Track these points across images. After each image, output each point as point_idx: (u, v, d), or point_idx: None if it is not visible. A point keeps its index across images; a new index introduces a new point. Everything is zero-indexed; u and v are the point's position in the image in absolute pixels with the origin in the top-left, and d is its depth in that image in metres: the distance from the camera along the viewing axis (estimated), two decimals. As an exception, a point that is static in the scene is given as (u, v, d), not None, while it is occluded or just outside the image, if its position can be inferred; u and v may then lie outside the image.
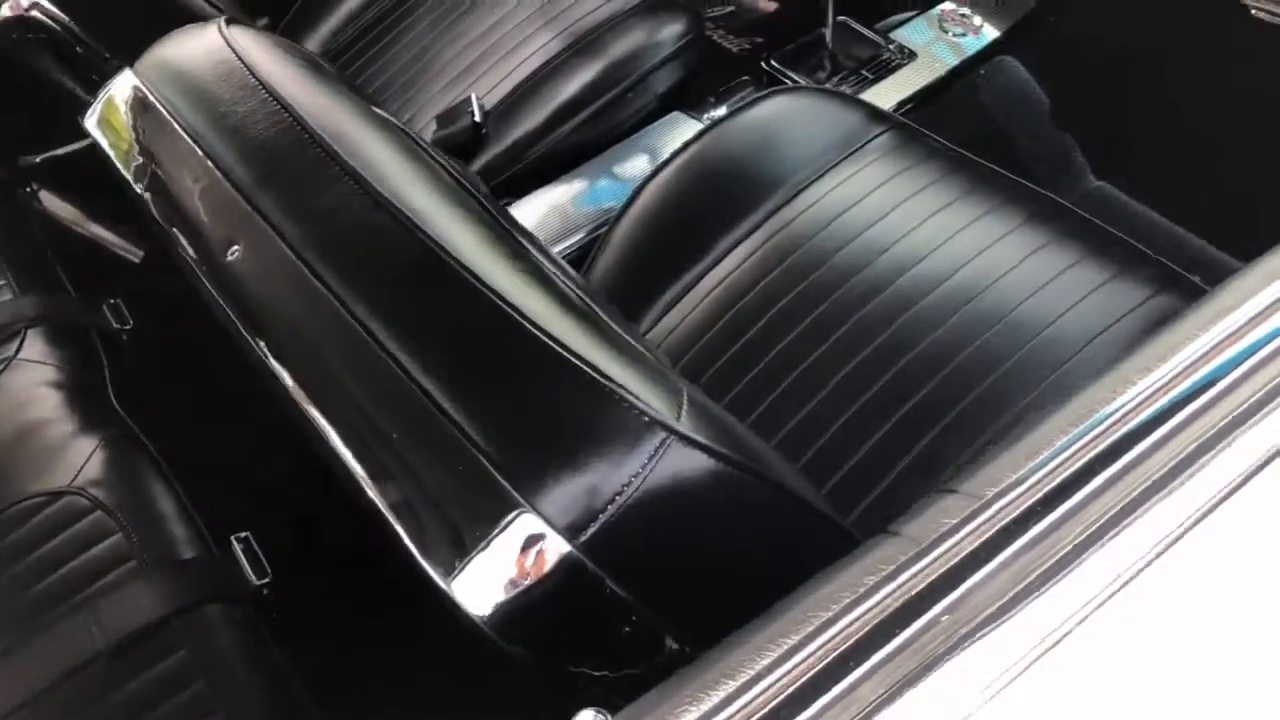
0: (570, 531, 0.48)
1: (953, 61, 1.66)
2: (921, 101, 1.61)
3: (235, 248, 0.63)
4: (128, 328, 1.16)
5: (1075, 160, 1.63)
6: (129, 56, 1.06)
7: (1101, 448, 0.51)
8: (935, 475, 0.93)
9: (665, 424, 0.51)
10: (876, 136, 1.27)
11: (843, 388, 1.03)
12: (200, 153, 0.68)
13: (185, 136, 0.70)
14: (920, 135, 1.28)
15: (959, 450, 0.95)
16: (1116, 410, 0.53)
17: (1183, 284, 1.08)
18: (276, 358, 0.59)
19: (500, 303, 0.55)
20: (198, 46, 0.77)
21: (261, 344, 0.60)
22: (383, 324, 0.55)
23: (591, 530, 0.48)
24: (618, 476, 0.49)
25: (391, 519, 0.51)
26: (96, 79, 1.06)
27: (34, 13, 1.04)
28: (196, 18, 0.82)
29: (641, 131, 1.49)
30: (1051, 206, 1.19)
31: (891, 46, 1.70)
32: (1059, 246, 1.12)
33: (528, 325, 0.54)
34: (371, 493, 0.52)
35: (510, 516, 0.48)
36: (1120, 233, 1.13)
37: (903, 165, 1.24)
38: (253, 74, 0.72)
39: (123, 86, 0.80)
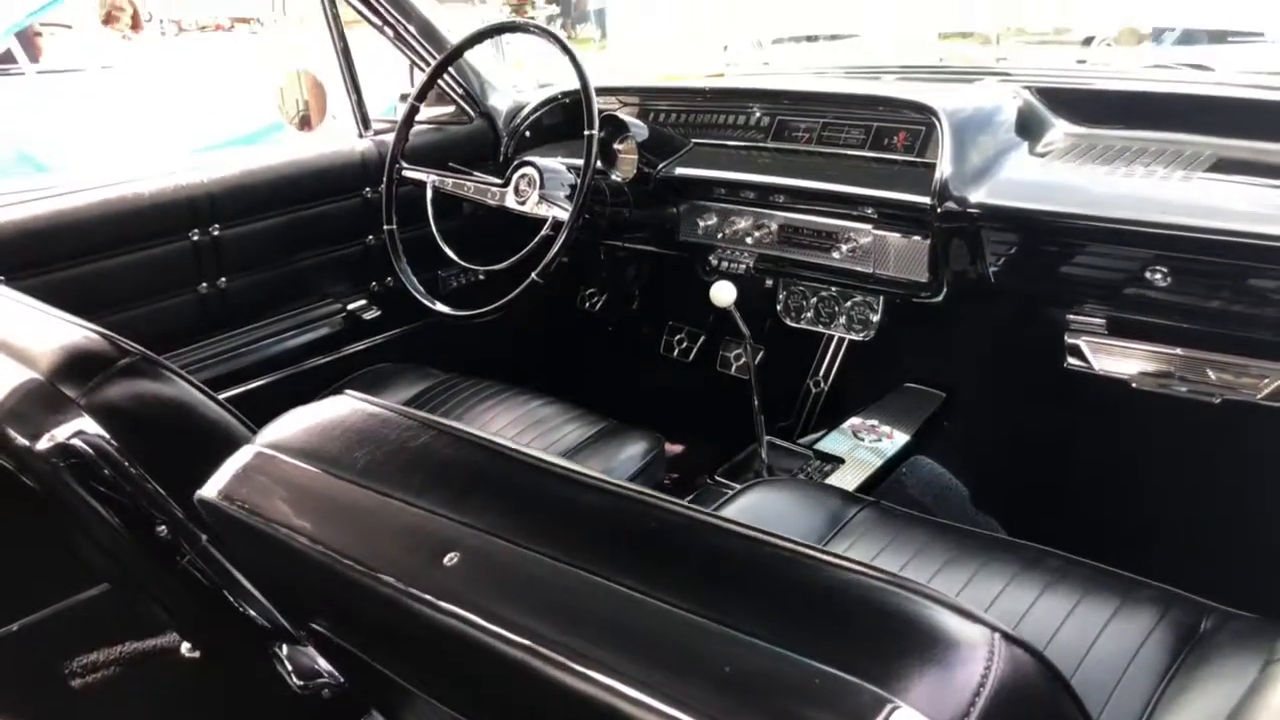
0: None
1: (878, 461, 1.84)
2: (865, 491, 1.75)
3: (452, 555, 0.62)
4: None
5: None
6: (169, 482, 1.06)
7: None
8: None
9: (986, 621, 0.52)
10: (857, 513, 1.37)
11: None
12: (374, 491, 0.68)
13: (348, 482, 0.70)
14: (893, 509, 1.38)
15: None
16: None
17: (1185, 601, 1.16)
18: (529, 636, 0.56)
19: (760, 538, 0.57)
20: (332, 414, 0.80)
21: (500, 629, 0.57)
22: (653, 587, 0.55)
23: (965, 723, 0.47)
24: (972, 670, 0.49)
25: None
26: (139, 505, 1.04)
27: (75, 440, 1.03)
28: (237, 441, 0.85)
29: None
30: (1032, 552, 1.28)
31: (817, 460, 1.87)
32: (1057, 591, 1.20)
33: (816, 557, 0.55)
34: None
35: (887, 710, 0.46)
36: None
37: (889, 537, 1.33)
38: (408, 418, 0.75)
39: (245, 459, 0.80)
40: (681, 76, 2.23)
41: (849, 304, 1.89)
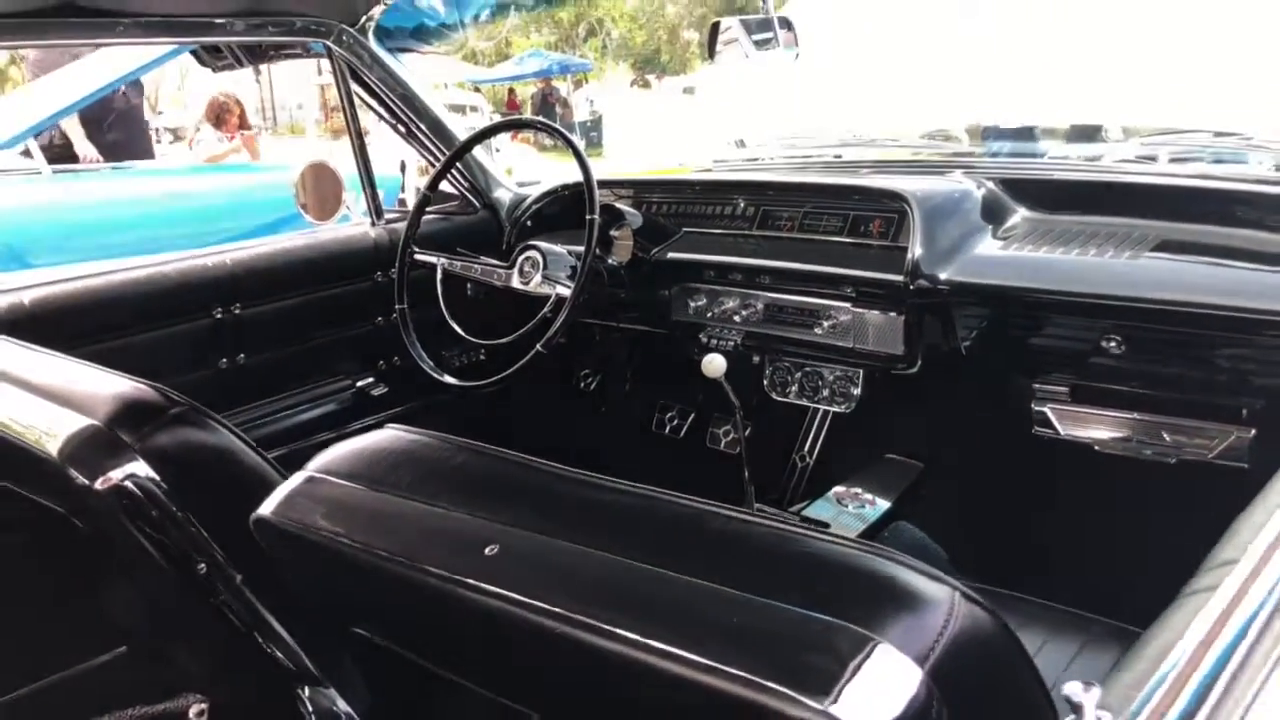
0: (918, 660, 0.57)
1: (861, 525, 1.93)
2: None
3: (492, 546, 0.72)
4: None
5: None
6: (211, 523, 1.15)
7: None
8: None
9: (948, 581, 0.62)
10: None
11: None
12: (418, 502, 0.79)
13: (393, 495, 0.81)
14: None
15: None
16: None
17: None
18: (562, 605, 0.66)
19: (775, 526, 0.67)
20: (374, 442, 0.90)
21: (538, 603, 0.67)
22: (666, 561, 0.66)
23: (931, 660, 0.57)
24: (936, 617, 0.60)
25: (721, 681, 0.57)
26: (182, 544, 1.13)
27: (128, 483, 1.13)
28: (274, 484, 0.95)
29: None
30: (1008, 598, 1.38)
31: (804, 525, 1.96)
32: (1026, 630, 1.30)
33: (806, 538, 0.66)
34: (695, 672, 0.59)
35: (870, 646, 0.57)
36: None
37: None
38: (445, 441, 0.86)
39: (296, 483, 0.90)
40: (672, 171, 2.40)
41: (831, 378, 2.01)
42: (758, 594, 0.62)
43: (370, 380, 2.18)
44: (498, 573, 0.71)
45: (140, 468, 1.12)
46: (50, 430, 1.13)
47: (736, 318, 2.01)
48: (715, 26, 1.83)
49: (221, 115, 5.37)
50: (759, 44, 1.73)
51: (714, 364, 1.76)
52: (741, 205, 2.07)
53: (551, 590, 0.68)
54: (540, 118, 1.91)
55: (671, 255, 2.05)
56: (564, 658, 0.68)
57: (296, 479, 0.91)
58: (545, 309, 1.84)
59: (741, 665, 0.58)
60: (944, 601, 0.61)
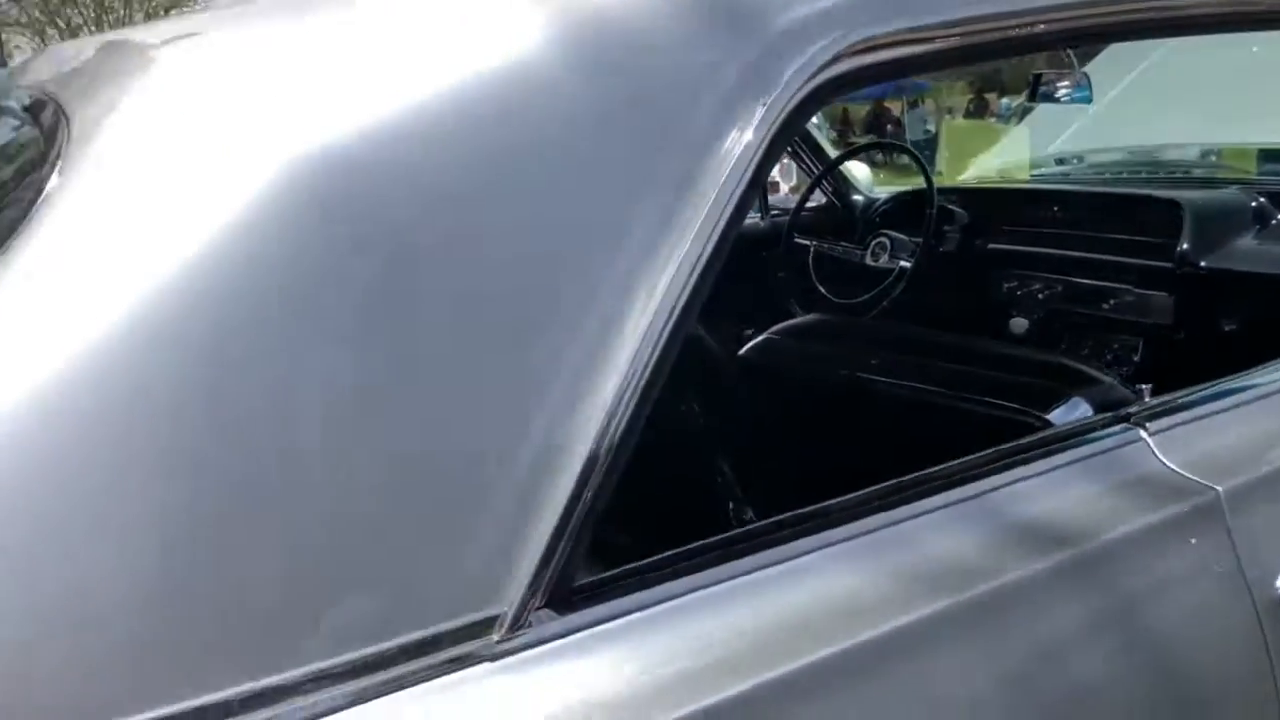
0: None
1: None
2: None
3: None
4: None
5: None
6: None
7: None
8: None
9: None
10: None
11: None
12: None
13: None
14: None
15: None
16: None
17: None
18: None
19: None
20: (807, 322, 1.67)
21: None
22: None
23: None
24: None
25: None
26: None
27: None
28: None
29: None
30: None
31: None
32: None
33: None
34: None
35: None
36: None
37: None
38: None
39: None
40: (993, 180, 3.02)
41: (1116, 346, 2.54)
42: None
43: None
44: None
45: None
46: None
47: (1040, 296, 2.60)
48: (1038, 78, 2.45)
49: None
50: (1064, 94, 2.32)
51: (1017, 326, 2.38)
52: (1053, 208, 2.65)
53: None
54: (898, 141, 2.61)
55: (991, 246, 2.67)
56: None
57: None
58: (889, 280, 2.54)
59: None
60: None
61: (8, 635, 0.62)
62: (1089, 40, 1.77)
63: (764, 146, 0.84)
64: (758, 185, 0.85)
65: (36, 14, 25.81)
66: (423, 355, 0.73)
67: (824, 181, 3.00)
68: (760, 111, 0.84)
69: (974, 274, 2.71)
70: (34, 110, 0.89)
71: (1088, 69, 2.39)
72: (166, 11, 27.33)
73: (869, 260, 2.68)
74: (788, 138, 0.88)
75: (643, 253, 0.80)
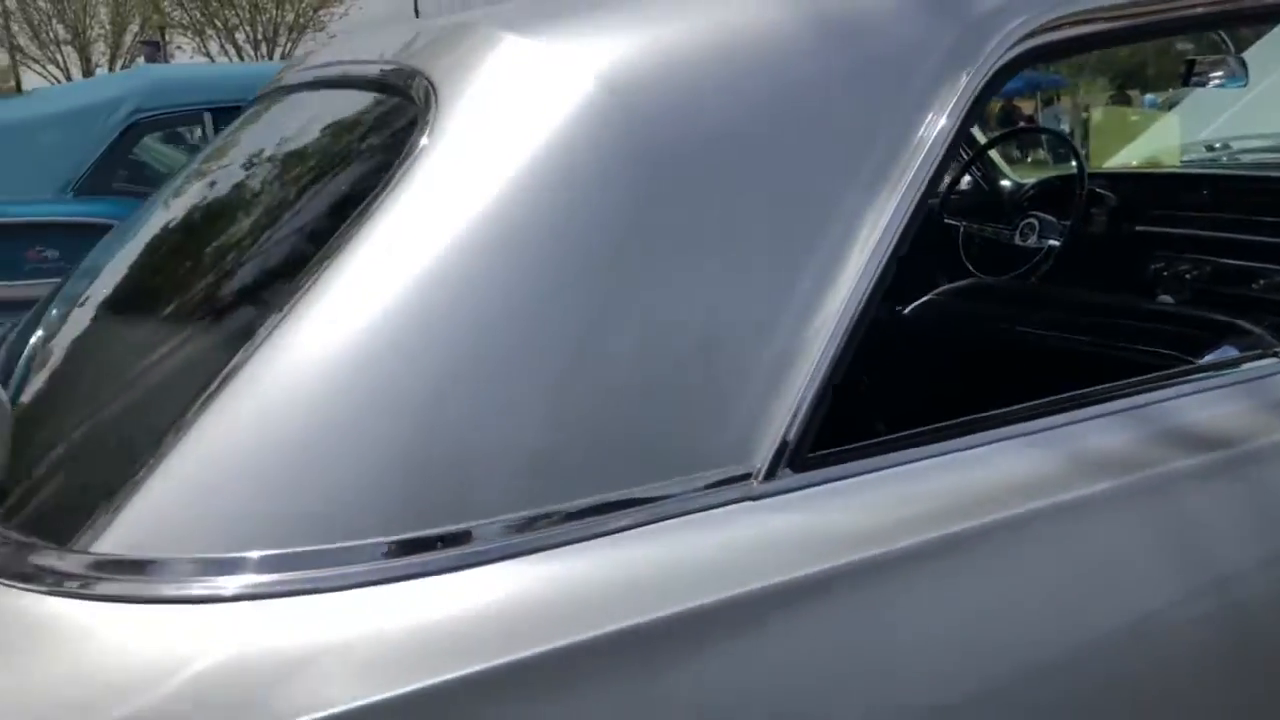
0: None
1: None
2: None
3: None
4: None
5: None
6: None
7: None
8: None
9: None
10: None
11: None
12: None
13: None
14: None
15: None
16: None
17: None
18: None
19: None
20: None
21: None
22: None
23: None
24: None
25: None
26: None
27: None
28: None
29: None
30: None
31: None
32: None
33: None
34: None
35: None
36: None
37: None
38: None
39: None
40: (1143, 165, 3.10)
41: (1264, 325, 2.61)
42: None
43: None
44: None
45: None
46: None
47: (1187, 277, 2.68)
48: (1192, 64, 2.53)
49: None
50: (1218, 80, 2.40)
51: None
52: (1202, 192, 2.73)
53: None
54: (1047, 127, 2.73)
55: (1139, 228, 2.77)
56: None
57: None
58: (1037, 258, 2.67)
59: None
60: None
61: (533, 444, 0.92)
62: (1270, 20, 1.90)
63: (966, 108, 1.04)
64: (960, 138, 1.05)
65: (198, 15, 27.50)
66: (719, 256, 0.98)
67: (973, 167, 3.13)
68: (964, 79, 1.04)
69: (1121, 255, 2.81)
70: (396, 79, 1.14)
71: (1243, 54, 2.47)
72: (315, 11, 28.69)
73: (1018, 240, 2.80)
74: (984, 103, 1.07)
75: (868, 191, 1.01)
